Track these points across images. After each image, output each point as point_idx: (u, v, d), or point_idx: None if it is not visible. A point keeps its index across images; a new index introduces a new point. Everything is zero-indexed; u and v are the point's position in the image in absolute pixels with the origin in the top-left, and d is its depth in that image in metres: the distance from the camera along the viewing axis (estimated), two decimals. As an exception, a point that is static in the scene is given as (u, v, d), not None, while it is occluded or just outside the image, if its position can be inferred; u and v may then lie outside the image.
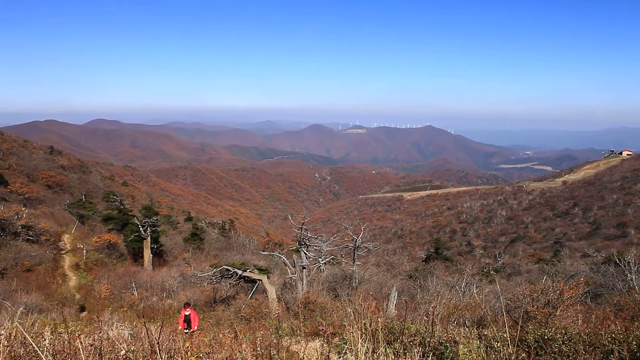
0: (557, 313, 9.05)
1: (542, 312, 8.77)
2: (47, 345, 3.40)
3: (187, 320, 13.71)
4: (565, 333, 6.10)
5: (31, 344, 4.59)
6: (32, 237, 32.21)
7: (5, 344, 4.44)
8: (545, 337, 6.04)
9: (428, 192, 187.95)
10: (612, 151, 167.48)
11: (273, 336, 7.68)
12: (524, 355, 5.08)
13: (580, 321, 8.77)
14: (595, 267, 24.64)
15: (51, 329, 7.15)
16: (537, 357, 5.72)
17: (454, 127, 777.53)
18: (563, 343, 5.82)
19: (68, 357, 4.03)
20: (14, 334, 4.85)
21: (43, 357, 3.79)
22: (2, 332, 4.58)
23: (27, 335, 4.16)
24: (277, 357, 4.33)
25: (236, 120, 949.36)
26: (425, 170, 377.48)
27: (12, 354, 4.25)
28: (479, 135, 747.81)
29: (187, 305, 14.08)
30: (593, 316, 9.52)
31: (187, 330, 13.15)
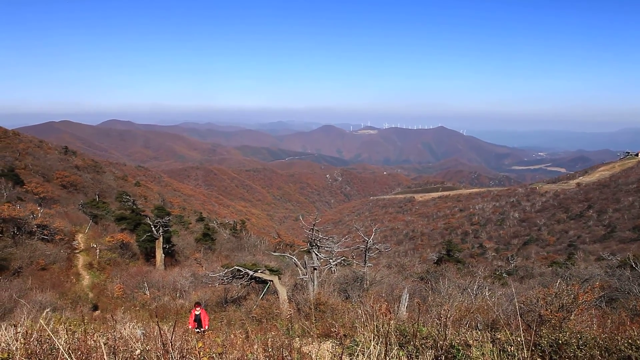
0: (572, 317, 8.93)
1: (556, 316, 8.66)
2: (63, 343, 3.44)
3: (198, 320, 13.76)
4: (580, 338, 6.01)
5: (47, 342, 4.65)
6: (47, 236, 32.63)
7: (22, 341, 4.50)
8: (560, 341, 5.96)
9: (440, 193, 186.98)
10: (628, 152, 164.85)
11: (284, 337, 7.69)
12: (538, 359, 5.02)
13: (595, 326, 8.65)
14: (611, 271, 24.27)
15: (66, 327, 7.24)
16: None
17: (466, 128, 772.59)
18: (578, 348, 5.74)
19: (83, 355, 4.08)
20: (30, 331, 4.92)
21: (66, 354, 3.83)
22: (19, 329, 4.65)
23: (50, 333, 4.21)
24: (289, 358, 4.33)
25: (248, 120, 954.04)
26: (437, 172, 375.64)
27: (29, 351, 4.31)
28: (492, 136, 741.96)
29: (197, 304, 14.12)
30: (608, 321, 9.38)
31: (199, 330, 13.22)
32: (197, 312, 13.86)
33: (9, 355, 4.19)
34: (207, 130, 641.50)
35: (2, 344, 4.96)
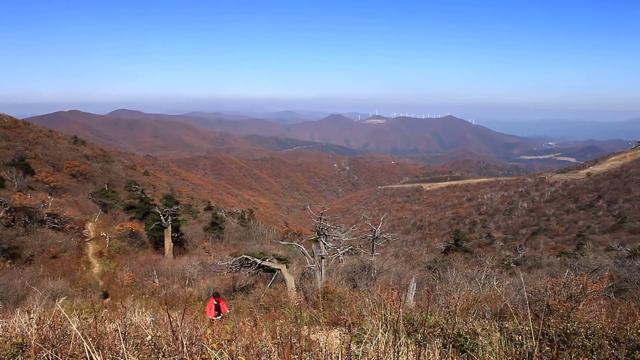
0: (580, 307, 8.91)
1: (564, 306, 8.64)
2: (75, 329, 3.51)
3: (217, 309, 13.86)
4: (589, 327, 6.00)
5: (59, 328, 4.73)
6: (58, 225, 33.02)
7: (36, 327, 4.58)
8: (568, 331, 5.95)
9: (448, 183, 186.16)
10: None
11: (292, 325, 7.76)
12: (547, 348, 5.03)
13: (604, 316, 8.62)
14: (620, 261, 24.12)
15: (78, 313, 7.35)
16: (559, 352, 5.65)
17: (475, 117, 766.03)
18: (586, 337, 5.72)
19: (95, 341, 4.14)
20: (42, 317, 5.00)
21: (82, 338, 3.89)
22: (33, 315, 4.73)
23: (67, 317, 4.28)
24: (297, 345, 4.37)
25: (255, 110, 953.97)
26: (445, 161, 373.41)
27: (42, 336, 4.38)
28: (501, 125, 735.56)
29: (216, 296, 14.13)
30: (617, 311, 9.34)
31: (218, 317, 13.28)
32: (216, 302, 13.94)
33: (23, 340, 4.28)
34: (215, 119, 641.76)
35: (17, 330, 5.05)
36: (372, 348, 4.62)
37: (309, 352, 4.32)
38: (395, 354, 4.25)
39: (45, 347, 4.10)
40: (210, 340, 4.29)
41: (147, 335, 4.83)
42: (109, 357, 4.03)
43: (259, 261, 19.08)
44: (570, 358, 4.90)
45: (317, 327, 9.54)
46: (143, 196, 45.38)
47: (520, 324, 6.45)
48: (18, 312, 6.83)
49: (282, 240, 30.04)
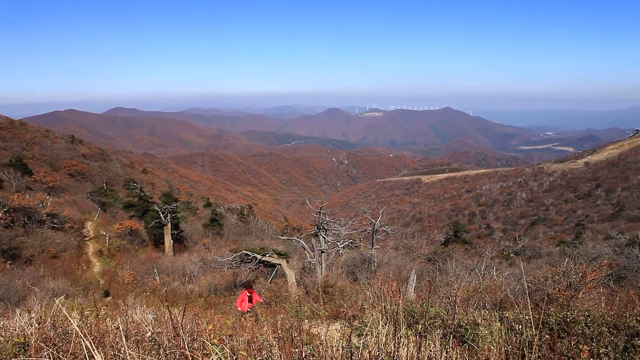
0: (580, 295, 8.95)
1: (564, 295, 8.68)
2: (76, 327, 3.52)
3: (251, 300, 13.78)
4: (589, 315, 6.02)
5: (60, 326, 4.74)
6: (57, 224, 32.99)
7: (37, 326, 4.59)
8: (568, 319, 5.97)
9: (446, 174, 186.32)
10: (638, 130, 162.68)
11: (293, 319, 7.78)
12: (547, 337, 5.05)
13: (603, 304, 8.66)
14: (619, 250, 24.18)
15: (79, 312, 7.37)
16: (559, 340, 5.68)
17: (473, 109, 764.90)
18: (586, 325, 5.75)
19: (96, 339, 4.15)
20: (44, 316, 5.01)
21: (82, 337, 3.90)
22: (33, 315, 4.74)
23: (68, 316, 4.27)
24: (298, 339, 4.38)
25: (253, 105, 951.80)
26: (444, 153, 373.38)
27: (44, 335, 4.39)
28: (498, 116, 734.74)
29: (248, 286, 13.97)
30: (617, 299, 9.38)
31: (250, 309, 13.12)
32: (249, 294, 13.80)
33: (24, 339, 4.28)
34: (212, 116, 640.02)
35: (18, 330, 5.06)
36: (372, 340, 4.64)
37: (310, 346, 4.33)
38: (396, 345, 4.27)
39: (46, 346, 4.11)
40: (212, 335, 4.31)
41: (148, 332, 4.85)
42: (110, 355, 4.04)
43: (259, 256, 19.10)
44: (570, 346, 4.93)
45: (318, 320, 9.57)
46: (142, 194, 45.32)
47: (520, 313, 6.49)
48: (19, 312, 6.84)
49: (282, 235, 30.11)
